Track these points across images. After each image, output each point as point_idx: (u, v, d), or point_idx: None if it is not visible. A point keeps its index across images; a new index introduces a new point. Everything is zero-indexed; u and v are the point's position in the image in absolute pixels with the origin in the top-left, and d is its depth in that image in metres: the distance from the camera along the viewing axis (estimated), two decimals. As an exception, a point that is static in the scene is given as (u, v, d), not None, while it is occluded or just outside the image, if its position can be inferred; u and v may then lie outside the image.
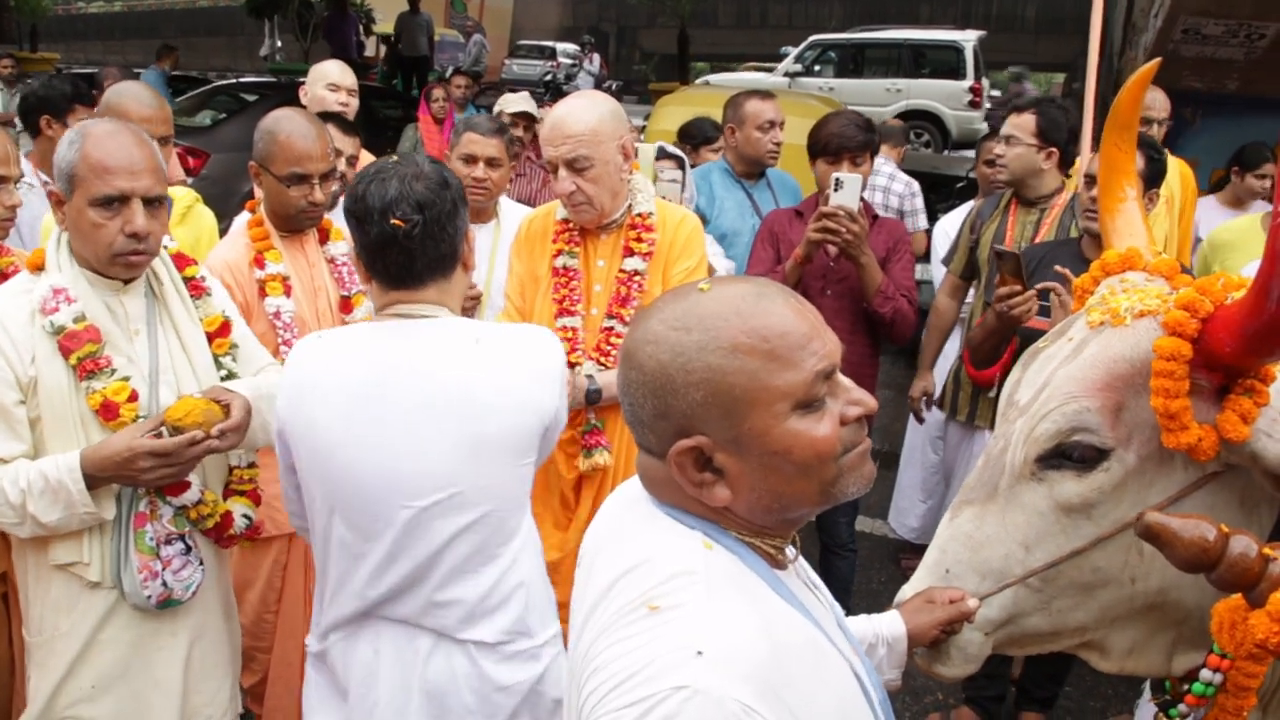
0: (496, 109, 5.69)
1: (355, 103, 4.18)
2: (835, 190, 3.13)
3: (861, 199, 3.30)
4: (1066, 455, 1.63)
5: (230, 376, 2.33)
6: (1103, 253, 1.97)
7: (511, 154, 3.46)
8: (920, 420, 4.29)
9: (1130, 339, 1.64)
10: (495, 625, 2.00)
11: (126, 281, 2.19)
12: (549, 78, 21.11)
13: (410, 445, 1.87)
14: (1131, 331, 1.65)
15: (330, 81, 4.13)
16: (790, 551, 1.28)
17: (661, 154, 3.59)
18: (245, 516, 2.34)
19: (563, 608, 2.78)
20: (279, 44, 19.09)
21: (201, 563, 2.24)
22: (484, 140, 3.40)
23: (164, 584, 2.15)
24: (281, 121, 2.78)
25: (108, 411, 2.09)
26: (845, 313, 3.37)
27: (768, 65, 19.48)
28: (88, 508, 2.06)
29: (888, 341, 3.59)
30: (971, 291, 4.00)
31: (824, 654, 1.18)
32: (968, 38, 16.25)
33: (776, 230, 3.59)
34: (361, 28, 16.74)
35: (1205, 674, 1.69)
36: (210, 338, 2.33)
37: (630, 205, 2.78)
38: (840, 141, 3.38)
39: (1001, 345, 3.15)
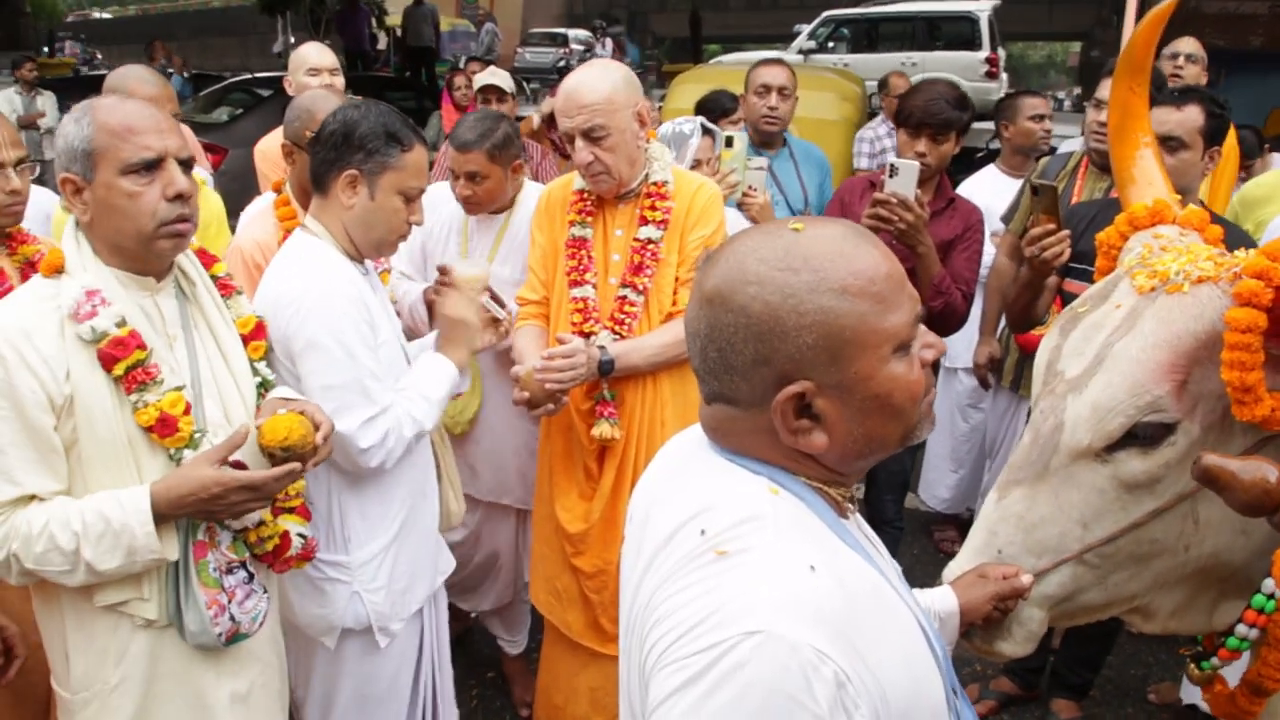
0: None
1: (339, 82, 4.08)
2: (890, 176, 2.97)
3: (946, 181, 3.22)
4: (1133, 434, 1.58)
5: (266, 384, 2.11)
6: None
7: (509, 156, 3.21)
8: (986, 386, 4.20)
9: (1192, 310, 1.57)
10: None
11: (159, 279, 1.95)
12: (562, 64, 21.04)
13: None
14: (1193, 300, 1.58)
15: (310, 66, 4.05)
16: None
17: (704, 130, 3.51)
18: (300, 535, 2.10)
19: (590, 577, 2.82)
20: (291, 40, 19.09)
21: (265, 590, 2.03)
22: (460, 156, 3.13)
23: (231, 618, 1.93)
24: (320, 101, 2.80)
25: (165, 427, 1.85)
26: None
27: (777, 45, 19.32)
28: (154, 553, 1.81)
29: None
30: None
31: (890, 603, 1.15)
32: (982, 8, 16.03)
33: (846, 199, 3.47)
34: (374, 20, 16.76)
35: (1241, 629, 1.65)
36: (245, 341, 2.10)
37: (647, 174, 2.74)
38: (921, 115, 3.18)
39: (1036, 300, 3.00)
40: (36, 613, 1.96)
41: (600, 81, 2.59)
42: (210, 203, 3.39)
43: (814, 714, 0.98)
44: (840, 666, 1.00)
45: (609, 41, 18.94)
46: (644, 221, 2.71)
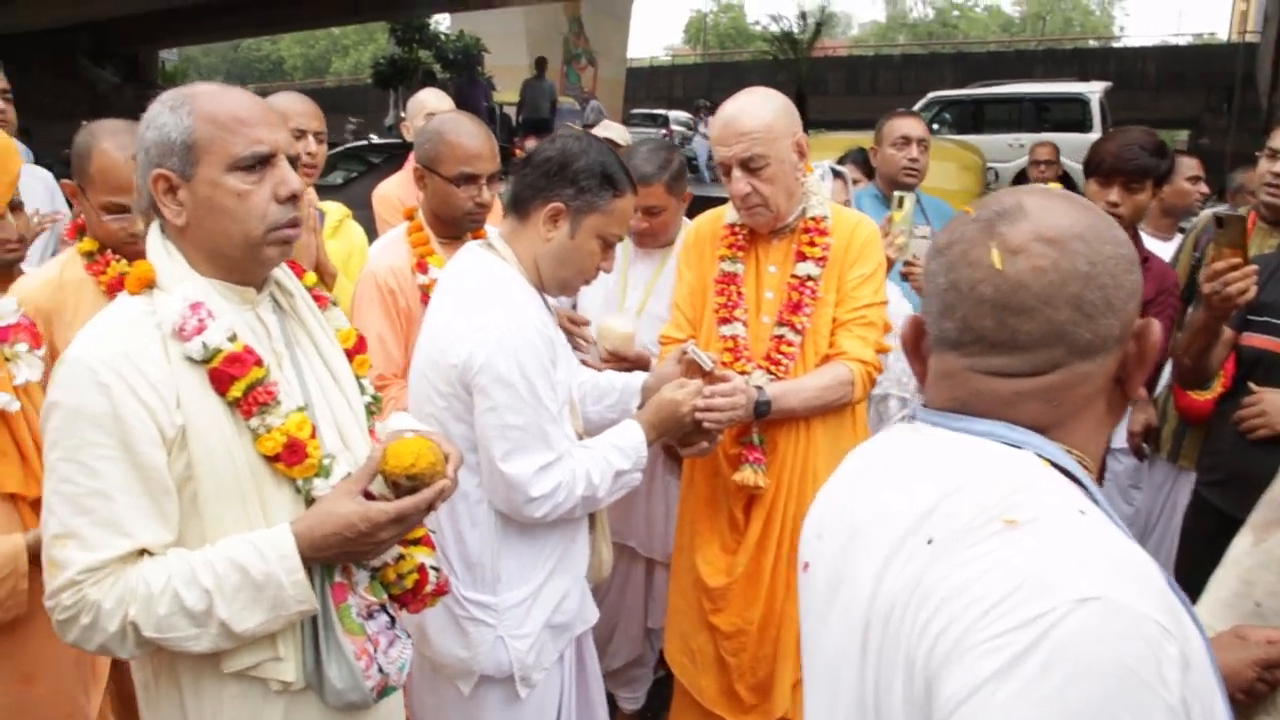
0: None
1: None
2: None
3: (1140, 239, 3.01)
4: None
5: (376, 403, 1.91)
6: None
7: (682, 188, 3.17)
8: (1142, 457, 3.93)
9: None
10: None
11: (259, 290, 1.70)
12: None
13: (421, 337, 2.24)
14: None
15: (428, 110, 4.12)
16: None
17: (836, 174, 3.37)
18: (434, 569, 1.86)
19: (728, 637, 2.63)
20: (402, 114, 19.75)
21: (408, 635, 1.81)
22: (642, 190, 2.86)
23: (380, 669, 1.68)
24: (449, 122, 2.74)
25: (293, 454, 1.60)
26: None
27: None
28: (304, 604, 1.56)
29: None
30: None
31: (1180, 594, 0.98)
32: (1093, 89, 15.82)
33: None
34: (489, 94, 17.22)
35: None
36: (348, 356, 1.86)
37: (804, 208, 2.60)
38: (1114, 162, 2.97)
39: (1211, 349, 2.71)
40: (141, 688, 1.70)
41: (760, 108, 2.48)
42: (354, 235, 3.41)
43: (1166, 703, 0.82)
44: (1183, 647, 0.85)
45: (710, 119, 19.10)
46: (802, 258, 2.56)
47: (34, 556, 1.75)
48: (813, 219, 2.59)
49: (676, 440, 2.43)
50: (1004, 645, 0.86)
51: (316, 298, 1.85)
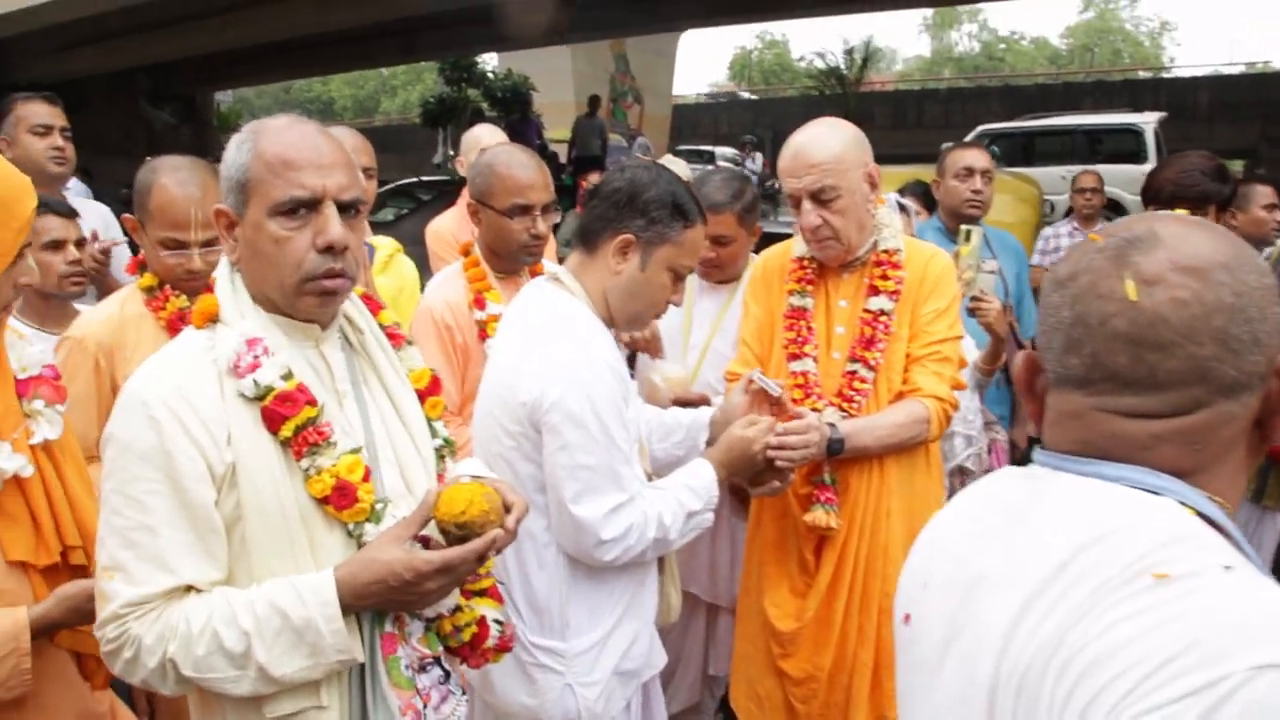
0: None
1: None
2: None
3: None
4: None
5: (448, 447, 1.81)
6: None
7: (754, 220, 3.09)
8: None
9: None
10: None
11: (324, 327, 1.66)
12: (711, 179, 21.34)
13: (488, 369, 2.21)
14: None
15: (482, 146, 4.10)
16: None
17: (900, 207, 3.30)
18: (497, 622, 1.78)
19: (798, 683, 2.52)
20: (451, 152, 19.98)
21: (464, 692, 1.73)
22: (713, 219, 2.77)
23: None
24: (500, 154, 2.72)
25: (342, 497, 1.55)
26: None
27: (922, 164, 19.12)
28: (342, 654, 1.51)
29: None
30: None
31: None
32: (1148, 120, 15.53)
33: None
34: (541, 132, 17.42)
35: None
36: (420, 397, 1.78)
37: (875, 241, 2.52)
38: (1173, 189, 2.90)
39: None
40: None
41: (830, 139, 2.41)
42: (404, 270, 3.37)
43: None
44: None
45: (759, 156, 19.09)
46: (874, 292, 2.48)
47: (37, 632, 1.68)
48: (885, 252, 2.51)
49: (747, 479, 2.35)
50: (1171, 717, 0.79)
51: (391, 336, 1.79)
